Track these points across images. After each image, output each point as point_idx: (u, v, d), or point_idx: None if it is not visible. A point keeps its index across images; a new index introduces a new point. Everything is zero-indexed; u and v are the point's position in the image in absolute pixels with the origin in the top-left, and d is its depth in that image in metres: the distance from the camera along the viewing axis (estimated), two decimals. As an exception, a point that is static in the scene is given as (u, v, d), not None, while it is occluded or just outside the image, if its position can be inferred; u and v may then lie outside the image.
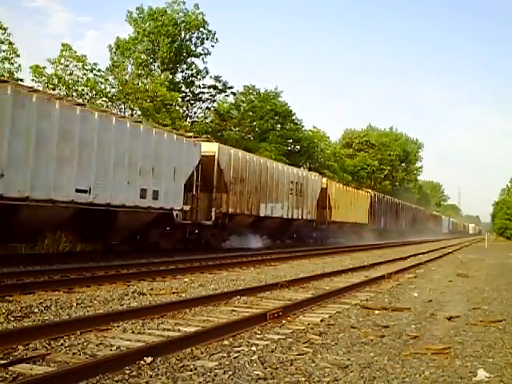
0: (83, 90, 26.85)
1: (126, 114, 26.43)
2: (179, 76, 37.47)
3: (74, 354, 4.68)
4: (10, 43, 23.69)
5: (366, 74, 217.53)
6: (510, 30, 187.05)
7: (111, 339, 5.24)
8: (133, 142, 13.97)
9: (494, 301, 9.21)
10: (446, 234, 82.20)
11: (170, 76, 34.46)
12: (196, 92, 38.36)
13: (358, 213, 34.41)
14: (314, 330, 6.10)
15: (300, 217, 24.83)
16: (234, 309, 7.29)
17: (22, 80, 21.50)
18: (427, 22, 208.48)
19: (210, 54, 37.73)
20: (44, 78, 25.40)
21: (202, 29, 36.80)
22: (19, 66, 23.73)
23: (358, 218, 34.60)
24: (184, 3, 36.03)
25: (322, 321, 6.69)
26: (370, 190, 41.07)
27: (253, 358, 4.75)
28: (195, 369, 4.34)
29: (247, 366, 4.53)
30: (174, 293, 8.61)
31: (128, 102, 28.71)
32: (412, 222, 57.37)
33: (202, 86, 38.47)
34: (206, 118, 38.94)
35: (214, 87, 38.70)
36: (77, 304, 7.08)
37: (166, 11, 35.24)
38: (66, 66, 26.70)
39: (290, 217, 23.69)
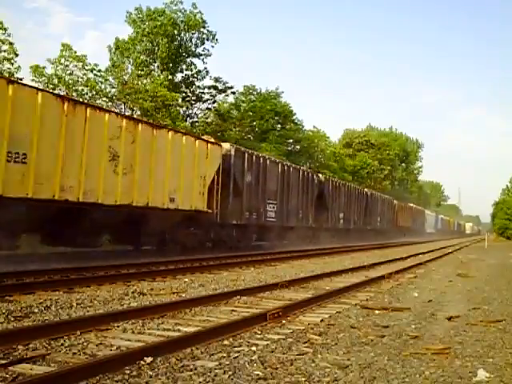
0: (83, 89, 26.90)
1: (126, 113, 26.42)
2: (179, 76, 37.51)
3: (74, 354, 4.67)
4: (11, 43, 23.73)
5: (366, 73, 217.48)
6: (510, 29, 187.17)
7: (111, 339, 5.24)
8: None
9: (494, 301, 9.20)
10: (432, 234, 66.44)
11: (170, 76, 34.48)
12: (196, 92, 38.39)
13: (164, 184, 15.07)
14: (314, 330, 6.10)
15: None
16: (234, 309, 7.29)
17: (21, 79, 21.51)
18: (427, 22, 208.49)
19: (210, 56, 37.78)
20: (44, 78, 25.45)
21: (202, 29, 36.83)
22: (18, 66, 23.77)
23: (165, 198, 15.15)
24: (182, 3, 36.08)
25: (322, 321, 6.68)
26: (226, 144, 19.51)
27: (253, 358, 4.74)
28: (195, 369, 4.34)
29: (247, 366, 4.53)
30: (174, 293, 8.61)
31: (128, 102, 28.74)
32: (364, 217, 37.51)
33: (202, 87, 38.52)
34: (206, 118, 38.96)
35: (215, 87, 38.72)
36: (77, 304, 7.08)
37: (164, 11, 35.27)
38: (66, 65, 26.76)
39: None
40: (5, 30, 23.61)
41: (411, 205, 58.01)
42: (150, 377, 4.08)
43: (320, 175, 30.41)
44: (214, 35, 37.39)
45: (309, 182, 27.14)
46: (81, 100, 15.05)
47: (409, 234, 52.28)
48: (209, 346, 5.07)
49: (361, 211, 36.92)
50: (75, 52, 27.06)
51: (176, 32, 35.39)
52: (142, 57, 34.46)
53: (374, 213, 40.12)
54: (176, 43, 35.75)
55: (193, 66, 37.65)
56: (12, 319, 5.99)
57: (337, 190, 31.80)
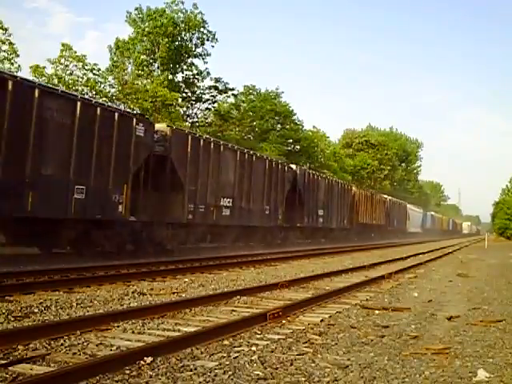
0: (83, 89, 26.90)
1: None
2: (179, 76, 37.51)
3: (74, 354, 4.67)
4: (11, 43, 23.77)
5: (366, 73, 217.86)
6: (510, 29, 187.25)
7: (111, 339, 5.23)
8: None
9: (494, 301, 9.19)
10: (416, 234, 56.82)
11: (170, 76, 34.49)
12: (197, 93, 38.38)
13: None
14: (314, 330, 6.09)
15: None
16: (234, 309, 7.28)
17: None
18: (427, 21, 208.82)
19: (209, 55, 37.77)
20: (44, 78, 25.44)
21: (202, 29, 36.82)
22: (19, 66, 23.81)
23: None
24: (183, 3, 36.09)
25: (322, 321, 6.68)
26: None
27: (253, 358, 4.74)
28: (195, 369, 4.33)
29: (247, 366, 4.52)
30: (174, 293, 8.61)
31: (128, 102, 28.74)
32: (290, 208, 24.66)
33: (202, 87, 38.51)
34: (206, 118, 38.97)
35: (215, 88, 38.71)
36: (77, 304, 7.08)
37: (164, 11, 35.27)
38: (66, 65, 26.77)
39: None
40: (5, 30, 23.64)
41: (385, 196, 45.44)
42: (150, 377, 4.08)
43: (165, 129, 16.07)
44: (214, 35, 37.42)
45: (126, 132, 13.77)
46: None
47: (379, 234, 41.19)
48: (209, 346, 5.07)
49: (280, 199, 23.47)
50: (75, 52, 27.09)
51: (176, 32, 35.38)
52: (142, 57, 34.45)
53: (309, 203, 27.09)
54: (176, 43, 35.74)
55: (193, 67, 37.67)
56: (12, 319, 5.99)
57: (213, 155, 17.90)
